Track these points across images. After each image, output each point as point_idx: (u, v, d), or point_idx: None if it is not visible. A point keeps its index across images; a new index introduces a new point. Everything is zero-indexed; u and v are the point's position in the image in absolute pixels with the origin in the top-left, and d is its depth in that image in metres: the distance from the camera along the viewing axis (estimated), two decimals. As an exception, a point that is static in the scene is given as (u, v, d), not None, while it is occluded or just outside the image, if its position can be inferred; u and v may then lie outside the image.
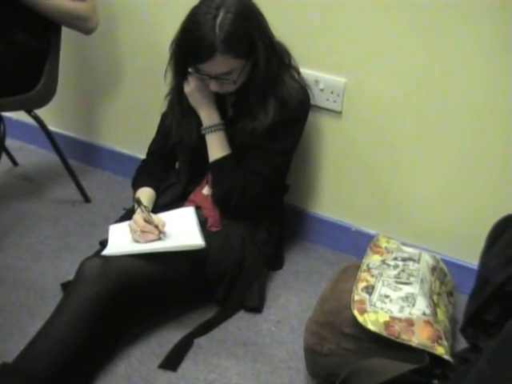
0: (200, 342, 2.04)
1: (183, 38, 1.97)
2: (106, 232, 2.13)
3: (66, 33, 2.65)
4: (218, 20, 1.89)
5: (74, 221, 2.72)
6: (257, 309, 2.16)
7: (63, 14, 2.45)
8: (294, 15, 2.30)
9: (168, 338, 2.05)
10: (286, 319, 2.16)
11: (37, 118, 2.67)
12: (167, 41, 2.04)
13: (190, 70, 2.02)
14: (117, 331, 2.00)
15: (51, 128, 2.80)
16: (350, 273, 1.90)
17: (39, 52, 2.57)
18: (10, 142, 2.89)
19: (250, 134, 2.07)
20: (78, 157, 3.14)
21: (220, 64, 1.93)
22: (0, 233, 2.58)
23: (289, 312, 2.19)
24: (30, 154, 3.30)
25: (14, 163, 3.21)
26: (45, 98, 2.64)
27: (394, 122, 2.24)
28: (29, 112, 2.66)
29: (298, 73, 2.17)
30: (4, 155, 2.83)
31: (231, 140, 2.13)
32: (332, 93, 2.31)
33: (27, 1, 2.37)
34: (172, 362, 1.96)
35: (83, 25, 2.52)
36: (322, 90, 2.32)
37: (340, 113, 2.33)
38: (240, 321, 2.14)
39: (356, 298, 1.73)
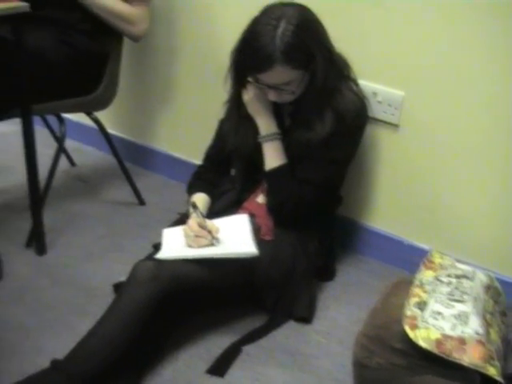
0: (248, 349, 2.04)
1: (243, 48, 1.98)
2: (159, 235, 2.15)
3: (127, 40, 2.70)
4: (279, 31, 1.90)
5: (127, 222, 2.75)
6: (306, 319, 2.16)
7: (112, 15, 2.50)
8: (354, 27, 2.30)
9: (216, 343, 2.06)
10: (334, 331, 2.15)
11: (96, 121, 2.71)
12: (227, 49, 2.05)
13: (249, 78, 2.04)
14: (165, 334, 2.02)
15: (109, 130, 2.85)
16: (402, 287, 1.88)
17: (101, 55, 2.61)
18: (68, 143, 2.93)
19: (306, 144, 2.07)
20: (134, 160, 3.18)
21: (279, 74, 1.93)
22: (54, 231, 2.62)
23: (338, 324, 2.18)
24: (88, 156, 3.36)
25: (72, 164, 3.27)
26: (105, 101, 2.68)
27: (451, 136, 2.22)
28: (89, 114, 2.70)
29: (356, 85, 2.17)
30: (62, 155, 2.87)
31: (287, 149, 2.13)
32: (390, 105, 2.30)
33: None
34: (220, 367, 1.96)
35: (130, 29, 2.57)
36: (379, 102, 2.31)
37: (397, 126, 2.32)
38: (289, 330, 2.13)
39: (408, 313, 1.71)
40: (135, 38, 2.63)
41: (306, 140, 2.06)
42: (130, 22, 2.55)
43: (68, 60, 2.49)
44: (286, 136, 2.14)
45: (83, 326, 1.89)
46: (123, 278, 1.95)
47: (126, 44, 2.73)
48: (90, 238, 2.62)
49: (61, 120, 2.60)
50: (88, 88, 2.59)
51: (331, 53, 2.05)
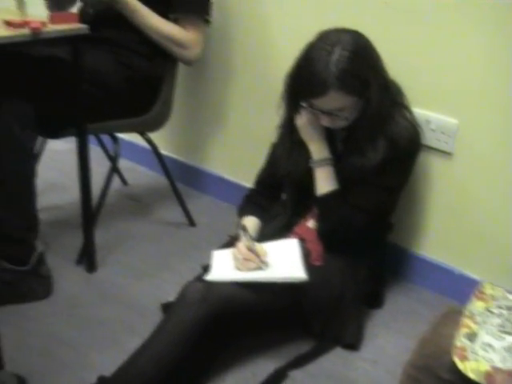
0: (294, 374, 2.03)
1: (298, 73, 1.99)
2: (208, 256, 2.16)
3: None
4: (333, 57, 1.91)
5: (177, 243, 2.77)
6: (353, 346, 2.14)
7: (163, 37, 2.53)
8: (408, 54, 2.30)
9: (262, 367, 2.05)
10: (382, 359, 2.13)
11: (149, 141, 2.74)
12: (282, 73, 2.07)
13: (302, 103, 2.05)
14: (213, 356, 2.02)
15: (162, 151, 2.88)
16: (452, 318, 1.85)
17: (156, 77, 2.65)
18: (121, 163, 2.97)
19: (358, 171, 2.06)
20: (185, 181, 3.21)
21: (333, 100, 1.94)
22: (105, 249, 2.65)
23: (386, 352, 2.16)
24: (140, 175, 3.40)
25: (124, 183, 3.31)
26: (159, 122, 2.71)
27: (506, 165, 2.19)
28: (142, 135, 2.73)
29: (410, 112, 2.16)
30: (115, 175, 2.91)
31: (339, 175, 2.13)
32: (443, 133, 2.29)
33: (133, 19, 2.47)
34: (265, 391, 1.96)
35: (182, 52, 2.60)
36: (433, 130, 2.30)
37: (451, 154, 2.31)
38: (336, 357, 2.12)
39: (457, 344, 1.69)
40: (187, 62, 2.66)
41: (359, 166, 2.06)
42: (182, 46, 2.58)
43: (124, 81, 2.53)
44: (338, 162, 2.13)
45: (131, 343, 1.91)
46: (172, 299, 1.96)
47: (182, 66, 2.77)
48: (140, 257, 2.64)
49: (115, 140, 2.64)
50: (143, 109, 2.63)
51: (385, 79, 2.05)
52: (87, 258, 2.52)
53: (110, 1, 2.42)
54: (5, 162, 2.19)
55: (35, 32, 2.10)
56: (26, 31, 2.10)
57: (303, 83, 1.97)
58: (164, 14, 2.55)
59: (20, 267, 2.28)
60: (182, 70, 2.80)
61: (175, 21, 2.57)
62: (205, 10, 2.62)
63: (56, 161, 3.46)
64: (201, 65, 2.98)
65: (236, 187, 2.96)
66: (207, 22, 2.66)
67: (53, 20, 2.22)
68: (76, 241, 2.57)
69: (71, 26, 2.24)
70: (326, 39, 1.96)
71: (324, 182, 2.12)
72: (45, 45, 2.36)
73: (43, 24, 2.14)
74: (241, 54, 2.88)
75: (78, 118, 2.34)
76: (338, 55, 1.91)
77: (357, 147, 2.06)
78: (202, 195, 3.20)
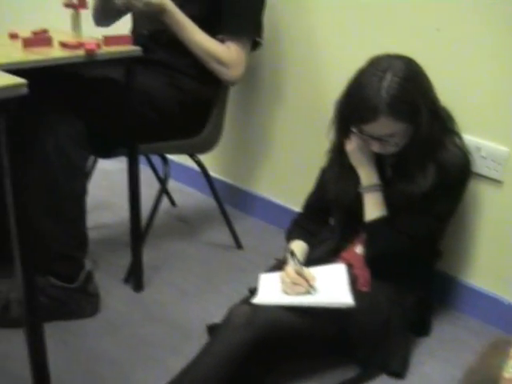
0: (338, 400, 2.03)
1: (349, 98, 2.00)
2: (255, 279, 2.16)
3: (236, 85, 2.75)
4: (384, 83, 1.91)
5: (224, 265, 2.78)
6: (399, 374, 2.11)
7: (206, 53, 2.53)
8: (459, 81, 2.29)
9: (307, 392, 2.05)
10: (428, 388, 2.11)
11: (199, 163, 2.76)
12: (332, 98, 2.07)
13: (352, 129, 2.05)
14: (258, 379, 2.01)
15: (211, 173, 2.89)
16: (501, 348, 1.83)
17: (207, 100, 2.67)
18: (170, 184, 2.99)
19: (407, 197, 2.05)
20: (233, 203, 3.22)
21: (383, 126, 1.94)
22: (152, 269, 2.67)
23: (432, 381, 2.12)
24: (188, 197, 3.42)
25: (173, 204, 3.33)
26: (209, 145, 2.73)
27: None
28: (192, 156, 2.75)
29: (460, 138, 2.14)
30: (164, 195, 2.93)
31: (388, 201, 2.12)
32: (494, 161, 2.27)
33: (178, 31, 2.48)
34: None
35: (223, 71, 2.58)
36: (483, 157, 2.28)
37: (501, 182, 2.28)
38: (381, 384, 2.11)
39: (506, 375, 1.66)
40: (229, 82, 2.65)
41: (408, 193, 2.05)
42: (224, 65, 2.57)
43: (175, 103, 2.55)
44: (387, 187, 2.13)
45: (176, 364, 1.92)
46: (218, 321, 1.97)
47: (232, 89, 2.79)
48: (187, 278, 2.65)
49: (165, 161, 2.66)
50: (193, 131, 2.65)
51: (436, 106, 2.05)
52: (134, 277, 2.55)
53: (158, 9, 2.43)
54: (57, 180, 2.22)
55: (90, 53, 2.14)
56: (80, 53, 2.14)
57: (354, 108, 1.97)
58: (212, 33, 2.56)
59: (68, 284, 2.31)
60: (232, 93, 2.82)
61: (222, 39, 2.57)
62: (253, 32, 2.63)
63: (106, 180, 3.51)
64: (251, 88, 3.00)
65: (284, 211, 2.96)
66: (258, 44, 2.67)
67: (107, 42, 2.26)
68: (124, 260, 2.59)
69: (125, 47, 2.27)
70: (378, 65, 1.96)
71: (373, 208, 2.11)
72: (98, 66, 2.40)
73: (98, 46, 2.18)
74: (291, 78, 2.89)
75: (130, 139, 2.37)
76: (389, 81, 1.91)
77: (406, 173, 2.06)
78: (250, 218, 3.21)
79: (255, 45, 2.67)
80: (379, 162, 2.15)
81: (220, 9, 2.55)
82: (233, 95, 2.86)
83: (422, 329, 2.34)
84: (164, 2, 2.42)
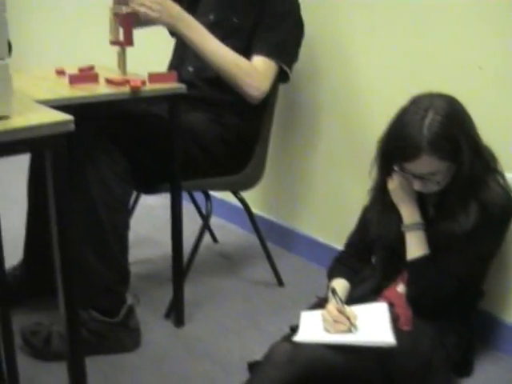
0: None
1: (391, 137, 2.00)
2: (296, 316, 2.15)
3: (275, 121, 2.77)
4: (426, 121, 1.91)
5: (265, 302, 2.77)
6: (441, 415, 2.09)
7: (226, 62, 2.50)
8: (502, 119, 2.28)
9: (347, 432, 2.02)
10: (470, 429, 2.07)
11: (241, 200, 2.78)
12: (374, 136, 2.08)
13: (395, 167, 2.05)
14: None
15: (253, 210, 2.90)
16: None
17: (250, 137, 2.69)
18: (212, 219, 3.00)
19: (449, 236, 2.04)
20: (276, 240, 3.22)
21: (425, 164, 1.93)
22: (193, 304, 2.67)
23: (475, 422, 2.10)
24: (230, 233, 3.43)
25: (215, 240, 3.35)
26: (251, 182, 2.75)
27: None
28: (235, 193, 2.77)
29: (503, 178, 2.13)
30: (206, 231, 2.95)
31: (430, 240, 2.11)
32: (538, 200, 2.24)
33: (195, 43, 2.48)
34: None
35: (245, 85, 2.53)
36: (527, 197, 2.26)
37: (546, 222, 2.25)
38: (422, 425, 2.07)
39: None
40: (251, 96, 2.57)
41: (450, 232, 2.04)
42: (247, 75, 2.53)
43: (219, 140, 2.58)
44: (429, 226, 2.12)
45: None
46: (258, 358, 1.96)
47: (275, 126, 2.81)
48: (228, 314, 2.65)
49: (207, 197, 2.68)
50: (236, 168, 2.67)
51: (478, 144, 2.04)
52: (175, 313, 2.55)
53: (171, 24, 2.46)
54: (100, 215, 2.25)
55: (135, 90, 2.18)
56: (126, 89, 2.18)
57: (396, 146, 1.98)
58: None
59: (110, 319, 2.33)
60: (275, 130, 2.84)
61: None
62: (282, 57, 2.60)
63: (149, 215, 3.54)
64: (293, 126, 3.02)
65: (326, 248, 2.95)
66: (286, 76, 2.66)
67: (152, 79, 2.30)
68: (165, 295, 2.61)
69: (169, 84, 2.31)
70: (420, 103, 1.97)
71: (415, 247, 2.10)
72: (143, 102, 2.43)
73: (143, 83, 2.22)
74: (333, 116, 2.90)
75: (173, 175, 2.39)
76: (430, 119, 1.91)
77: (448, 212, 2.04)
78: (292, 255, 3.21)
79: (284, 76, 2.66)
80: (421, 200, 2.14)
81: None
82: (275, 132, 2.88)
83: (464, 369, 2.30)
84: (170, 7, 2.43)
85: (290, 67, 2.64)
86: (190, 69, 2.67)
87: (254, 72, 2.54)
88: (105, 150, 2.28)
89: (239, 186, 2.75)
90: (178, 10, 2.44)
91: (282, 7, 2.61)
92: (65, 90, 2.19)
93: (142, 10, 2.35)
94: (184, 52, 2.66)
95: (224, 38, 2.54)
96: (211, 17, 2.69)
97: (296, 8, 2.66)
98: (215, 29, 2.58)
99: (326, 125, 2.93)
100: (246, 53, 2.55)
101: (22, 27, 5.76)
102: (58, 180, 1.64)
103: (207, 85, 2.62)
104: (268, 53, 2.56)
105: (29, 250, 2.65)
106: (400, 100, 2.02)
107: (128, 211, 2.47)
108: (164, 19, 2.41)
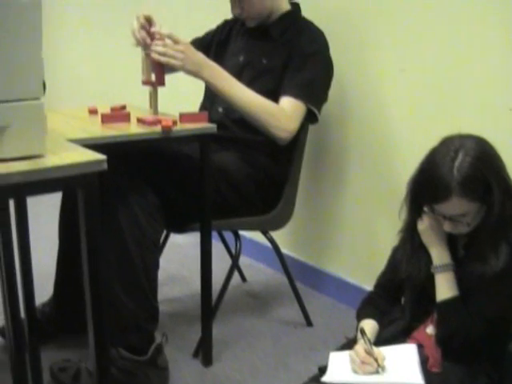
0: None
1: (421, 178, 2.00)
2: (325, 357, 2.13)
3: (305, 161, 2.78)
4: (457, 163, 1.91)
5: (293, 342, 2.76)
6: None
7: (252, 106, 2.52)
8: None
9: None
10: None
11: (270, 239, 2.78)
12: (403, 177, 2.08)
13: (425, 208, 2.05)
14: None
15: (282, 249, 2.90)
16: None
17: (280, 177, 2.70)
18: (241, 259, 3.01)
19: (480, 278, 2.02)
20: (304, 280, 3.22)
21: (455, 206, 1.93)
22: (222, 344, 2.67)
23: None
24: (259, 272, 3.44)
25: (243, 279, 3.35)
26: (280, 222, 2.75)
27: None
28: (264, 233, 2.77)
29: (533, 219, 2.12)
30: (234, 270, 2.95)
31: (460, 281, 2.09)
32: None
33: (221, 90, 2.51)
34: None
35: (272, 127, 2.55)
36: (559, 237, 2.24)
37: None
38: None
39: None
40: (279, 137, 2.58)
41: (480, 273, 2.02)
42: (274, 117, 2.54)
43: (249, 179, 2.60)
44: (459, 267, 2.10)
45: None
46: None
47: (304, 166, 2.82)
48: (256, 354, 2.65)
49: (237, 236, 2.69)
50: (266, 208, 2.68)
51: (509, 185, 2.03)
52: (204, 352, 2.55)
53: (195, 72, 2.46)
54: (130, 252, 2.27)
55: (166, 130, 2.21)
56: (157, 129, 2.21)
57: (426, 188, 1.98)
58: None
59: (138, 357, 2.33)
60: (304, 171, 2.85)
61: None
62: (310, 98, 2.62)
63: (178, 253, 3.56)
64: (322, 166, 3.03)
65: (355, 289, 2.94)
66: (314, 118, 2.68)
67: (183, 119, 2.33)
68: (194, 334, 2.61)
69: (200, 125, 2.34)
70: (450, 145, 1.97)
71: (444, 288, 2.09)
72: (174, 142, 2.46)
73: (174, 122, 2.25)
74: (363, 157, 2.91)
75: (203, 215, 2.41)
76: (460, 161, 1.91)
77: (478, 254, 2.03)
78: (321, 295, 3.20)
79: (313, 117, 2.68)
80: (451, 241, 2.13)
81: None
82: (305, 172, 2.89)
83: (494, 412, 2.27)
84: (193, 54, 2.45)
85: (319, 108, 2.66)
86: (220, 109, 2.70)
87: (281, 114, 2.56)
88: (136, 189, 2.31)
89: (269, 226, 2.75)
90: (201, 57, 2.47)
91: (311, 48, 2.64)
92: (97, 129, 2.23)
93: (163, 59, 2.38)
94: (213, 93, 2.69)
95: (254, 79, 2.57)
96: (241, 58, 2.74)
97: (324, 48, 2.68)
98: (245, 70, 2.62)
99: (356, 165, 2.94)
100: (276, 94, 2.58)
101: (57, 66, 5.86)
102: (89, 218, 1.66)
103: (237, 125, 2.64)
104: (296, 94, 2.58)
105: (59, 286, 2.67)
106: (430, 141, 2.02)
107: (158, 250, 2.49)
108: (188, 67, 2.43)
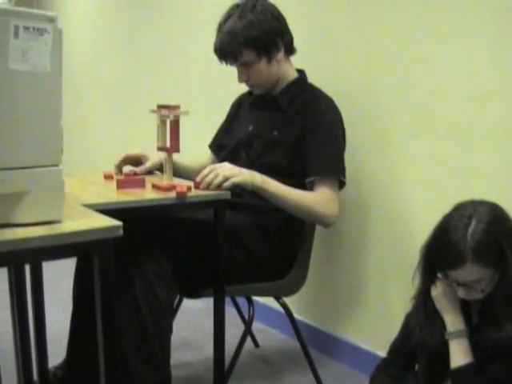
0: None
1: (434, 244, 2.01)
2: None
3: (320, 229, 2.79)
4: (470, 229, 1.91)
5: (306, 410, 2.74)
6: None
7: (302, 209, 2.56)
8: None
9: None
10: None
11: (283, 305, 2.76)
12: (416, 244, 2.08)
13: (438, 274, 2.05)
14: None
15: (295, 315, 2.88)
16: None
17: (293, 242, 2.71)
18: (254, 324, 2.99)
19: (495, 344, 2.01)
20: (317, 346, 3.19)
21: (469, 272, 1.93)
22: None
23: None
24: (272, 338, 3.42)
25: (256, 345, 3.33)
26: (294, 288, 2.75)
27: None
28: (277, 298, 2.77)
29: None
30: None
31: (474, 347, 2.08)
32: None
33: (273, 201, 2.54)
34: None
35: (320, 217, 2.60)
36: None
37: None
38: None
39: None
40: (326, 225, 2.64)
41: (495, 340, 2.01)
42: (321, 211, 2.58)
43: (262, 246, 2.60)
44: (473, 334, 2.09)
45: None
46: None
47: (317, 232, 2.83)
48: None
49: (250, 302, 2.68)
50: (279, 273, 2.68)
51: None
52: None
53: (251, 181, 2.47)
54: (144, 317, 2.27)
55: (181, 196, 2.23)
56: (172, 195, 2.23)
57: (439, 254, 1.98)
58: (293, 179, 2.61)
59: (151, 422, 2.31)
60: (317, 235, 2.86)
61: (312, 182, 2.62)
62: (340, 172, 2.65)
63: (191, 318, 3.55)
64: (336, 232, 3.04)
65: (369, 356, 2.91)
66: (342, 184, 2.69)
67: (197, 185, 2.35)
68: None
69: (214, 191, 2.36)
70: (463, 211, 1.98)
71: (459, 355, 2.07)
72: (188, 207, 2.47)
73: (188, 189, 2.27)
74: (376, 225, 2.92)
75: (217, 281, 2.41)
76: (474, 227, 1.92)
77: (493, 319, 2.02)
78: (335, 362, 3.17)
79: (340, 185, 2.70)
80: (465, 307, 2.12)
81: (300, 155, 2.63)
82: (317, 238, 2.89)
83: None
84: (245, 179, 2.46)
85: (345, 175, 2.69)
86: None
87: (324, 200, 2.59)
88: (150, 254, 2.32)
89: (282, 292, 2.74)
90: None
91: (325, 119, 2.66)
92: (112, 195, 2.25)
93: (227, 183, 2.39)
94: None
95: (265, 150, 2.61)
96: (250, 128, 2.77)
97: (338, 117, 2.71)
98: (255, 141, 2.66)
99: (370, 230, 2.94)
100: (284, 170, 2.61)
101: (73, 131, 5.93)
102: (104, 282, 1.67)
103: (250, 194, 2.64)
104: (328, 174, 2.61)
105: (72, 350, 2.66)
106: (444, 206, 2.03)
107: (171, 315, 2.49)
108: (246, 177, 2.45)
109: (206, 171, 2.40)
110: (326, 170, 2.61)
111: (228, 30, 2.59)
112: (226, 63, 2.69)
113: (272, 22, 2.63)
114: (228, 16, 2.64)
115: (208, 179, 2.38)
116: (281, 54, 2.69)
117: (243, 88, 2.90)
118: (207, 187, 2.37)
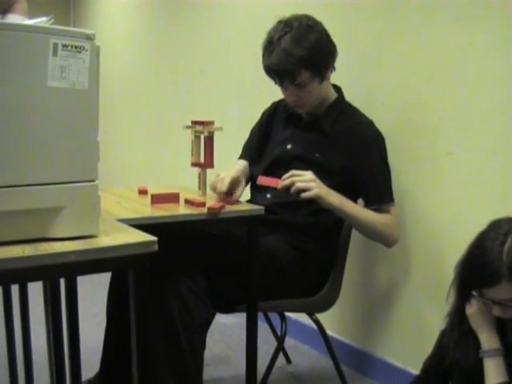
0: None
1: (469, 262, 1.99)
2: None
3: (353, 245, 2.78)
4: (506, 247, 1.90)
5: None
6: None
7: (372, 225, 2.60)
8: None
9: None
10: None
11: (316, 321, 2.76)
12: (452, 261, 2.07)
13: (473, 292, 2.03)
14: None
15: (328, 332, 2.88)
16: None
17: (327, 260, 2.70)
18: (286, 340, 2.99)
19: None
20: (350, 363, 3.18)
21: (505, 291, 1.91)
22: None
23: None
24: (304, 354, 3.40)
25: (288, 361, 3.32)
26: (327, 304, 2.74)
27: None
28: (310, 315, 2.76)
29: None
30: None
31: (509, 367, 2.06)
32: None
33: (347, 216, 2.55)
34: None
35: (388, 237, 2.66)
36: None
37: None
38: None
39: None
40: (392, 243, 2.70)
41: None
42: (390, 232, 2.66)
43: (295, 263, 2.59)
44: (509, 353, 2.07)
45: None
46: None
47: (351, 249, 2.83)
48: None
49: (283, 318, 2.68)
50: (312, 290, 2.67)
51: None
52: None
53: (326, 198, 2.47)
54: (178, 334, 2.28)
55: (213, 212, 2.23)
56: (204, 211, 2.24)
57: (475, 272, 1.96)
58: None
59: None
60: (351, 252, 2.85)
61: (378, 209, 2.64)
62: (392, 194, 2.69)
63: (223, 333, 3.55)
64: (369, 248, 3.03)
65: (402, 373, 2.89)
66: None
67: (229, 201, 2.37)
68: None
69: (248, 207, 2.37)
70: (499, 228, 1.96)
71: (494, 374, 2.05)
72: (222, 223, 2.48)
73: (221, 205, 2.28)
74: (410, 241, 2.90)
75: (250, 296, 2.41)
76: (510, 245, 1.90)
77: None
78: (368, 379, 3.15)
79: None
80: (501, 325, 2.10)
81: (352, 183, 2.63)
82: (351, 253, 2.89)
83: None
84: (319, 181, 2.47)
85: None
86: (268, 196, 2.69)
87: (390, 222, 2.65)
88: (185, 270, 2.33)
89: (314, 308, 2.74)
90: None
91: (372, 147, 2.66)
92: (146, 210, 2.27)
93: (306, 194, 2.41)
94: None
95: (305, 171, 2.59)
96: (288, 147, 2.75)
97: (382, 141, 2.71)
98: (294, 161, 2.65)
99: (404, 247, 2.93)
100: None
101: (109, 147, 5.99)
102: (139, 298, 1.68)
103: (284, 209, 2.64)
104: (387, 199, 2.66)
105: (105, 364, 2.68)
106: (478, 224, 2.02)
107: (205, 331, 2.49)
108: (323, 193, 2.45)
109: (288, 174, 2.43)
110: (384, 197, 2.66)
111: (285, 50, 2.53)
112: (281, 82, 2.64)
113: (327, 43, 2.63)
114: (281, 34, 2.57)
115: (288, 182, 2.41)
116: (330, 74, 2.69)
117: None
118: (287, 189, 2.40)
